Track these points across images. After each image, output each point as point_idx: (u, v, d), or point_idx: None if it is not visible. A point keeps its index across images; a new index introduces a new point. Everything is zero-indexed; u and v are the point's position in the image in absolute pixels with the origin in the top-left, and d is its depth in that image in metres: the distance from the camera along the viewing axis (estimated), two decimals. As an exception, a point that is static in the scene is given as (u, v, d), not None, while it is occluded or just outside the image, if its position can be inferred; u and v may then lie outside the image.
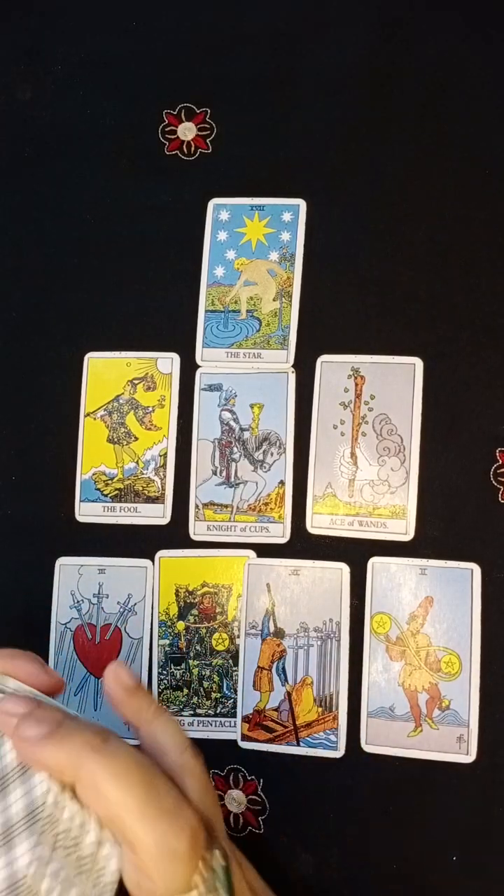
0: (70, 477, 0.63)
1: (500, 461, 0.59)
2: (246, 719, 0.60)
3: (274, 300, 0.62)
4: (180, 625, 0.61)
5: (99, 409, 0.63)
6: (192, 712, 0.60)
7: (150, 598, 0.61)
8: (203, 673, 0.61)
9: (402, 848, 0.57)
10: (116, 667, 0.35)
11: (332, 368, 0.61)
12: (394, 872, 0.57)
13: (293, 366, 0.62)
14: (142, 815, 0.28)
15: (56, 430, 0.64)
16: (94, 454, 0.63)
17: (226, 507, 0.61)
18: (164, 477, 0.62)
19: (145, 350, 0.63)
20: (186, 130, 0.65)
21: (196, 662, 0.61)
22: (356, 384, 0.61)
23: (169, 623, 0.61)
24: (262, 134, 0.64)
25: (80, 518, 0.63)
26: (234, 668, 0.60)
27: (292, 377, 0.62)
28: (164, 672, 0.61)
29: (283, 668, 0.60)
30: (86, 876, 0.29)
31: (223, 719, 0.60)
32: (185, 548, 0.62)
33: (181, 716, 0.60)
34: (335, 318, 0.62)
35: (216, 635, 0.61)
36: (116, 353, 0.64)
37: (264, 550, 0.61)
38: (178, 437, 0.63)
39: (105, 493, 0.63)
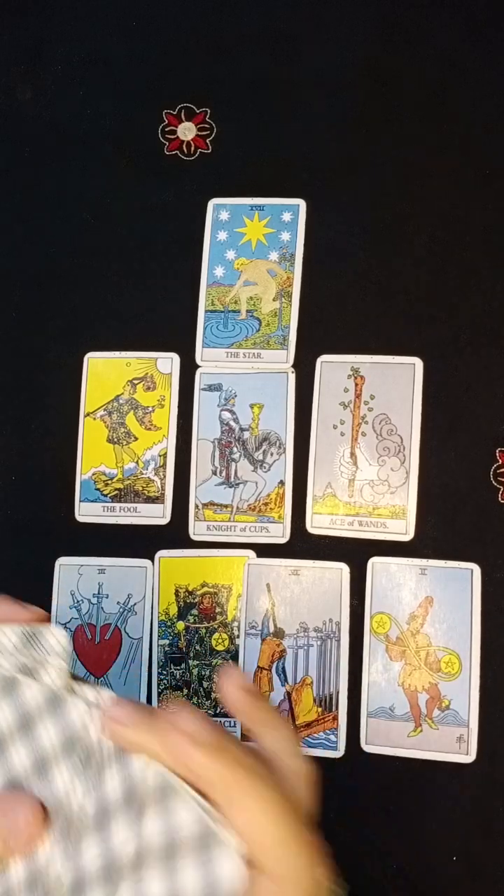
0: (70, 477, 0.63)
1: (500, 461, 0.59)
2: (246, 719, 0.60)
3: (274, 300, 0.62)
4: (180, 625, 0.61)
5: (99, 409, 0.63)
6: (192, 712, 0.60)
7: (150, 598, 0.61)
8: (203, 673, 0.61)
9: (402, 848, 0.57)
10: (234, 672, 0.34)
11: (332, 368, 0.61)
12: (394, 872, 0.57)
13: (293, 366, 0.62)
14: (279, 847, 0.28)
15: (56, 430, 0.64)
16: (94, 454, 0.63)
17: (226, 507, 0.61)
18: (164, 477, 0.62)
19: (145, 350, 0.63)
20: (186, 130, 0.65)
21: (196, 662, 0.61)
22: (356, 384, 0.61)
23: (169, 623, 0.61)
24: (262, 134, 0.64)
25: (80, 518, 0.63)
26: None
27: (292, 377, 0.62)
28: (164, 672, 0.61)
29: (283, 668, 0.60)
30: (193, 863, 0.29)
31: (223, 719, 0.60)
32: (185, 548, 0.62)
33: (181, 716, 0.60)
34: (335, 318, 0.62)
35: (216, 635, 0.61)
36: (116, 353, 0.64)
37: (264, 550, 0.61)
38: (178, 437, 0.63)
39: (105, 493, 0.63)
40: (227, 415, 0.62)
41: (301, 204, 0.63)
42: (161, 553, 0.62)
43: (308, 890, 0.29)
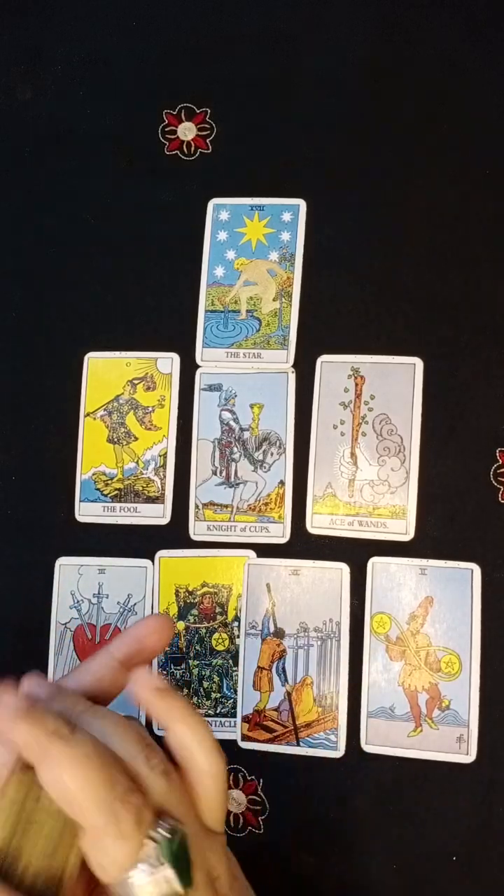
0: (70, 477, 0.63)
1: (500, 461, 0.59)
2: (246, 719, 0.60)
3: (274, 300, 0.62)
4: (180, 625, 0.61)
5: (99, 409, 0.63)
6: (192, 712, 0.60)
7: (150, 598, 0.61)
8: (203, 673, 0.61)
9: (402, 848, 0.57)
10: (143, 673, 0.36)
11: (332, 368, 0.61)
12: (394, 872, 0.57)
13: (293, 366, 0.62)
14: (91, 800, 0.31)
15: (56, 430, 0.64)
16: (94, 454, 0.63)
17: (226, 507, 0.61)
18: (164, 477, 0.62)
19: (145, 350, 0.63)
20: (186, 130, 0.65)
21: (196, 662, 0.61)
22: (356, 384, 0.61)
23: (169, 623, 0.61)
24: (262, 134, 0.64)
25: (80, 518, 0.63)
26: (234, 668, 0.60)
27: (292, 377, 0.62)
28: (164, 672, 0.61)
29: (283, 668, 0.60)
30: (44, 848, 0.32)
31: (223, 719, 0.60)
32: (185, 548, 0.62)
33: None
34: (335, 318, 0.62)
35: (216, 635, 0.61)
36: (116, 353, 0.64)
37: (264, 550, 0.61)
38: (178, 437, 0.63)
39: (105, 493, 0.63)
40: (227, 415, 0.62)
41: (301, 204, 0.63)
42: (161, 553, 0.62)
43: (123, 842, 0.31)
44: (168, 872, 0.31)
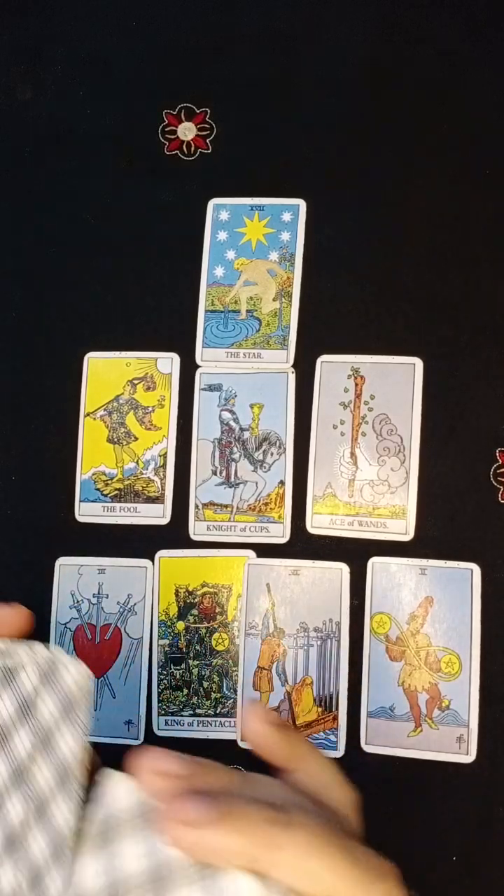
0: (70, 477, 0.63)
1: (500, 461, 0.59)
2: (246, 719, 0.60)
3: (274, 300, 0.62)
4: (180, 625, 0.61)
5: (99, 409, 0.63)
6: (191, 712, 0.60)
7: (150, 598, 0.61)
8: (203, 673, 0.61)
9: (402, 848, 0.57)
10: (257, 706, 0.32)
11: (332, 368, 0.61)
12: (394, 872, 0.57)
13: (293, 366, 0.62)
14: (354, 879, 0.27)
15: (56, 430, 0.64)
16: (94, 454, 0.63)
17: (226, 507, 0.61)
18: (164, 477, 0.62)
19: (145, 350, 0.63)
20: (186, 130, 0.65)
21: (196, 662, 0.61)
22: (356, 384, 0.61)
23: (169, 623, 0.61)
24: (262, 134, 0.64)
25: (80, 518, 0.63)
26: (233, 668, 0.60)
27: (292, 377, 0.62)
28: (164, 672, 0.61)
29: (283, 668, 0.60)
30: None
31: (223, 719, 0.60)
32: (184, 548, 0.62)
33: (181, 715, 0.60)
34: (335, 318, 0.62)
35: (216, 635, 0.61)
36: (116, 353, 0.64)
37: (264, 550, 0.61)
38: (178, 437, 0.63)
39: (105, 493, 0.63)
40: (227, 415, 0.62)
41: (301, 204, 0.63)
42: (161, 553, 0.62)
43: None
44: None
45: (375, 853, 0.28)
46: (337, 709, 0.59)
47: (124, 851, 0.26)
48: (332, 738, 0.58)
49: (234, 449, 0.62)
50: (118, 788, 0.27)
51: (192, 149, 0.64)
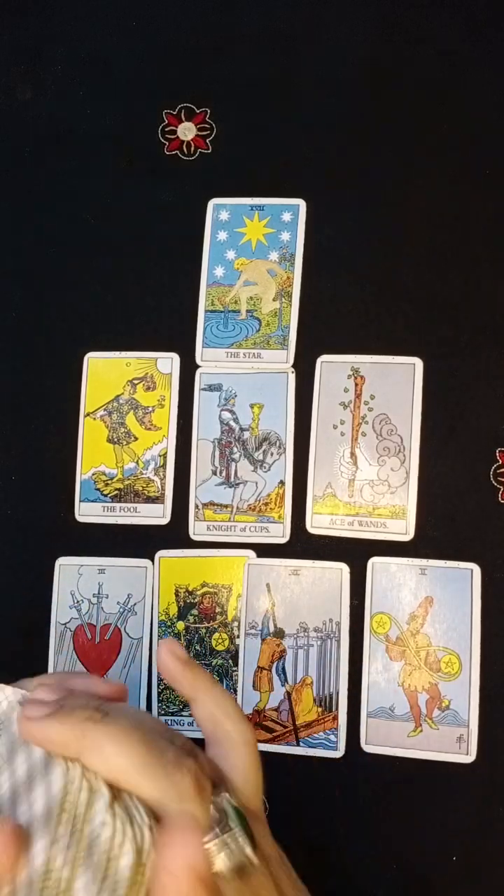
0: (70, 477, 0.63)
1: (500, 461, 0.59)
2: (246, 719, 0.60)
3: (274, 300, 0.62)
4: (180, 625, 0.61)
5: (99, 409, 0.63)
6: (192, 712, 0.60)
7: (150, 598, 0.61)
8: (203, 673, 0.60)
9: (402, 848, 0.57)
10: (170, 642, 0.36)
11: (332, 368, 0.61)
12: (394, 872, 0.57)
13: (293, 366, 0.62)
14: (144, 770, 0.30)
15: (56, 430, 0.64)
16: (94, 454, 0.63)
17: (226, 507, 0.61)
18: (164, 477, 0.62)
19: (145, 350, 0.63)
20: (186, 130, 0.65)
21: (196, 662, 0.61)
22: (356, 384, 0.61)
23: (169, 623, 0.61)
24: (262, 134, 0.64)
25: (80, 518, 0.63)
26: (234, 668, 0.60)
27: (292, 377, 0.62)
28: (164, 672, 0.61)
29: (283, 668, 0.60)
30: (104, 864, 0.30)
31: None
32: (185, 548, 0.62)
33: (181, 715, 0.60)
34: (335, 318, 0.62)
35: (216, 635, 0.61)
36: (116, 353, 0.64)
37: (264, 550, 0.61)
38: (178, 437, 0.63)
39: (105, 493, 0.63)
40: (227, 415, 0.62)
41: (301, 204, 0.63)
42: (161, 553, 0.62)
43: (185, 808, 0.30)
44: (239, 837, 0.30)
45: (186, 758, 0.31)
46: (337, 709, 0.59)
47: None
48: (332, 738, 0.58)
49: (234, 449, 0.62)
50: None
51: (192, 149, 0.64)
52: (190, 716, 0.60)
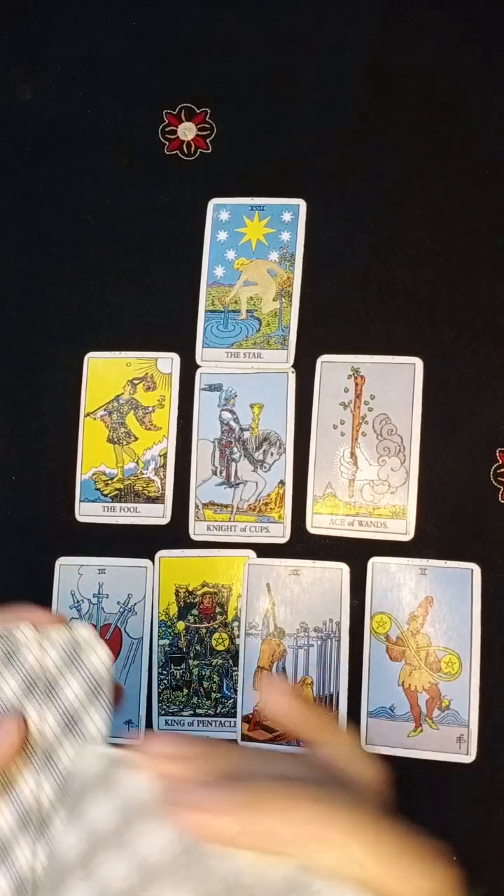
0: (70, 477, 0.63)
1: (500, 461, 0.59)
2: (246, 719, 0.60)
3: (274, 300, 0.62)
4: (180, 625, 0.61)
5: (99, 409, 0.63)
6: (192, 712, 0.60)
7: (150, 598, 0.61)
8: (203, 673, 0.61)
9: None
10: (276, 680, 0.33)
11: (332, 368, 0.61)
12: (394, 872, 0.57)
13: (293, 366, 0.62)
14: (385, 857, 0.27)
15: (56, 430, 0.64)
16: (94, 454, 0.63)
17: (226, 507, 0.61)
18: (164, 477, 0.62)
19: (145, 350, 0.63)
20: (186, 130, 0.65)
21: (196, 662, 0.61)
22: (356, 384, 0.61)
23: (169, 623, 0.61)
24: (262, 134, 0.64)
25: (80, 518, 0.63)
26: (234, 668, 0.60)
27: (292, 377, 0.62)
28: (164, 672, 0.61)
29: (283, 668, 0.60)
30: None
31: (223, 719, 0.60)
32: (185, 548, 0.62)
33: (181, 715, 0.60)
34: (335, 318, 0.62)
35: (216, 635, 0.61)
36: (116, 353, 0.64)
37: (264, 550, 0.61)
38: (178, 437, 0.63)
39: (105, 493, 0.63)
40: (227, 415, 0.62)
41: (301, 204, 0.63)
42: (161, 553, 0.62)
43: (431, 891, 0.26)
44: None
45: (407, 832, 0.28)
46: (337, 709, 0.59)
47: (146, 841, 0.27)
48: (332, 738, 0.58)
49: (235, 449, 0.62)
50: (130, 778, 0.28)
51: (192, 149, 0.64)
52: (190, 715, 0.60)
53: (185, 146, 0.65)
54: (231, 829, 0.25)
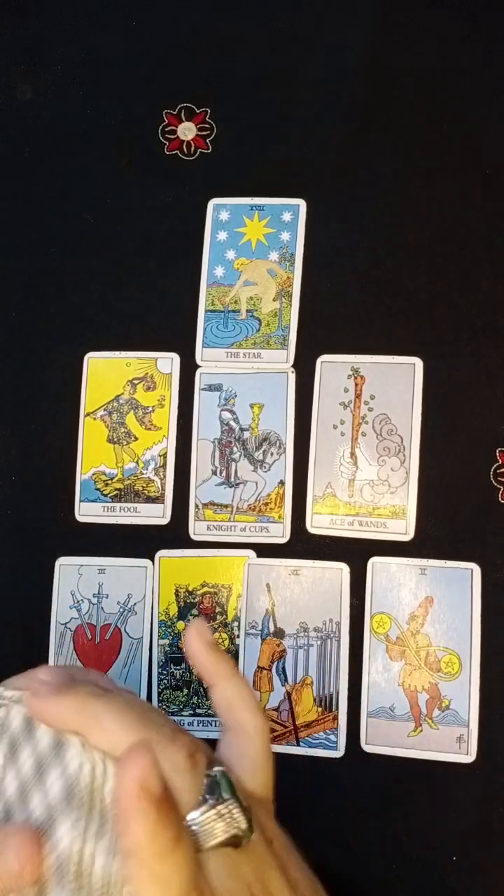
0: (70, 477, 0.63)
1: (500, 461, 0.59)
2: (246, 719, 0.60)
3: (274, 300, 0.62)
4: (180, 625, 0.61)
5: (99, 409, 0.63)
6: (191, 712, 0.60)
7: (150, 598, 0.61)
8: (203, 673, 0.61)
9: (402, 848, 0.57)
10: (199, 623, 0.37)
11: (332, 368, 0.61)
12: (394, 872, 0.57)
13: (293, 366, 0.62)
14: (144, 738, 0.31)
15: (56, 430, 0.64)
16: (94, 454, 0.63)
17: (226, 507, 0.61)
18: (164, 477, 0.62)
19: (145, 350, 0.63)
20: (186, 130, 0.65)
21: (196, 662, 0.61)
22: (356, 384, 0.61)
23: (169, 623, 0.61)
24: (262, 134, 0.64)
25: (80, 518, 0.63)
26: (234, 668, 0.60)
27: (292, 377, 0.62)
28: (164, 672, 0.61)
29: (283, 668, 0.60)
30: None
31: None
32: (185, 548, 0.62)
33: (181, 715, 0.60)
34: (335, 318, 0.62)
35: (216, 635, 0.61)
36: (116, 353, 0.64)
37: (264, 550, 0.61)
38: (178, 437, 0.63)
39: (105, 493, 0.63)
40: (227, 415, 0.62)
41: (301, 204, 0.63)
42: (161, 553, 0.62)
43: (180, 779, 0.31)
44: (233, 808, 0.31)
45: (181, 734, 0.33)
46: (337, 709, 0.59)
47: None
48: (332, 738, 0.58)
49: (234, 449, 0.62)
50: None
51: (192, 149, 0.64)
52: (189, 715, 0.60)
53: (185, 146, 0.65)
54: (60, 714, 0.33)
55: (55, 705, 0.32)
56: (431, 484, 0.59)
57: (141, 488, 0.62)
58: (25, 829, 0.31)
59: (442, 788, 0.57)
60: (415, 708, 0.58)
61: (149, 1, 0.66)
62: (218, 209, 0.64)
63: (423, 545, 0.59)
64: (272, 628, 0.60)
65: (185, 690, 0.60)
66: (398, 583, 0.59)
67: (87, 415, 0.63)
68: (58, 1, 0.67)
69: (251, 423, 0.62)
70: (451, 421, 0.60)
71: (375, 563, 0.59)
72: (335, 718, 0.58)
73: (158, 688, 0.61)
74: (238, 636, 0.60)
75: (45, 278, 0.65)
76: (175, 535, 0.62)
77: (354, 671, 0.59)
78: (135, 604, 0.61)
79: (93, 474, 0.63)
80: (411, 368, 0.60)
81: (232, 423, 0.62)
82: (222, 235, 0.64)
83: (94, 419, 0.63)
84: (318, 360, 0.61)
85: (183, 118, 0.65)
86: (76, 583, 0.62)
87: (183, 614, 0.61)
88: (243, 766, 0.35)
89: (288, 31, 0.64)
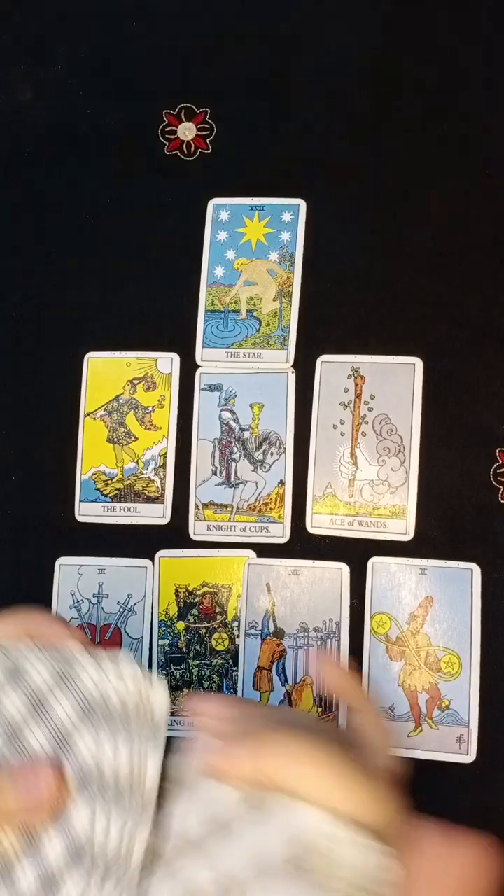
0: (70, 477, 0.63)
1: (501, 461, 0.59)
2: (246, 719, 0.60)
3: (274, 300, 0.62)
4: (180, 625, 0.61)
5: (99, 409, 0.63)
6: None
7: (150, 598, 0.61)
8: (203, 673, 0.61)
9: (402, 848, 0.57)
10: (329, 656, 0.42)
11: (332, 368, 0.61)
12: (394, 872, 0.57)
13: (293, 366, 0.62)
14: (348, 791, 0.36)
15: (56, 430, 0.64)
16: (94, 454, 0.63)
17: (226, 507, 0.61)
18: (164, 477, 0.62)
19: (145, 350, 0.63)
20: (186, 130, 0.65)
21: (196, 662, 0.61)
22: (356, 384, 0.61)
23: (169, 623, 0.61)
24: (262, 134, 0.64)
25: (80, 518, 0.63)
26: (234, 668, 0.60)
27: (292, 377, 0.62)
28: (164, 672, 0.61)
29: (283, 668, 0.60)
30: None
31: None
32: (185, 548, 0.62)
33: (181, 715, 0.60)
34: (335, 318, 0.62)
35: (216, 635, 0.61)
36: (116, 353, 0.64)
37: (264, 550, 0.61)
38: (178, 437, 0.63)
39: (105, 493, 0.63)
40: (227, 415, 0.62)
41: (301, 204, 0.63)
42: (161, 553, 0.62)
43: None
44: None
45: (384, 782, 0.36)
46: (337, 709, 0.59)
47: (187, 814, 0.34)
48: (332, 738, 0.58)
49: (234, 449, 0.62)
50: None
51: (192, 149, 0.64)
52: (189, 715, 0.60)
53: (185, 146, 0.65)
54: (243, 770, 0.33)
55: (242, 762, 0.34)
56: (431, 484, 0.59)
57: (141, 488, 0.62)
58: (39, 759, 0.32)
59: (442, 788, 0.57)
60: (415, 708, 0.58)
61: (149, 1, 0.66)
62: (218, 209, 0.64)
63: (423, 545, 0.59)
64: (272, 628, 0.60)
65: (185, 690, 0.60)
66: (398, 583, 0.59)
67: (87, 415, 0.63)
68: (58, 1, 0.67)
69: (251, 424, 0.62)
70: (451, 421, 0.60)
71: (375, 563, 0.59)
72: (335, 719, 0.58)
73: (158, 688, 0.61)
74: (238, 636, 0.60)
75: (45, 278, 0.65)
76: (175, 535, 0.62)
77: (354, 671, 0.59)
78: (135, 604, 0.61)
79: (93, 474, 0.63)
80: (411, 368, 0.60)
81: (232, 423, 0.62)
82: (222, 235, 0.64)
83: (94, 419, 0.63)
84: (318, 360, 0.61)
85: (183, 118, 0.65)
86: (76, 583, 0.62)
87: (183, 614, 0.61)
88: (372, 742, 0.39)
89: (288, 32, 0.64)
